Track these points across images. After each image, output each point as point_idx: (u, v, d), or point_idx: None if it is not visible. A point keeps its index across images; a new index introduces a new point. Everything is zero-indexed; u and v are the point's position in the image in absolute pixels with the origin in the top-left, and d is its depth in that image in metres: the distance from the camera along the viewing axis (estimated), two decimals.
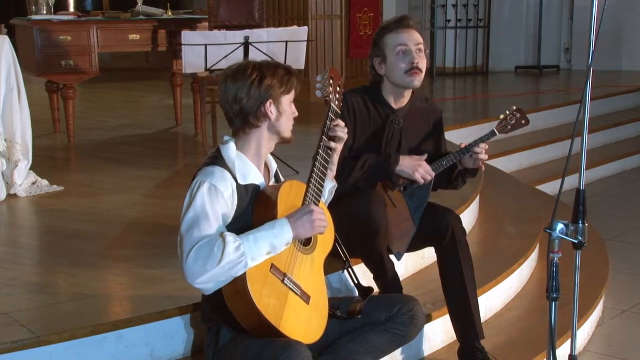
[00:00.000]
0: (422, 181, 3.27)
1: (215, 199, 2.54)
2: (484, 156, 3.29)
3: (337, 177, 3.00)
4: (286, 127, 2.71)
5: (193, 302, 2.92)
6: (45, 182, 4.83)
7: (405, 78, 3.27)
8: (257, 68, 2.65)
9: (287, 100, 2.70)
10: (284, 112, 2.68)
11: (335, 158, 2.86)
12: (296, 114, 2.75)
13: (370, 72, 3.37)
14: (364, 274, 3.27)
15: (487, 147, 3.31)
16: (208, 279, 2.45)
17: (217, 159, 2.63)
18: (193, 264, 2.44)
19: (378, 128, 3.33)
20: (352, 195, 3.17)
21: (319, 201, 2.70)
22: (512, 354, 3.46)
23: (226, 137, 2.73)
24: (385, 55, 3.28)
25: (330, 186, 2.94)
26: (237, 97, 2.63)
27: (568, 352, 2.77)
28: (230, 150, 2.66)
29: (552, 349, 2.59)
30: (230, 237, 2.46)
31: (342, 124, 2.83)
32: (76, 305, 3.02)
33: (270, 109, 2.65)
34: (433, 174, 3.29)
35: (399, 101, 3.36)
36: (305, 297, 2.63)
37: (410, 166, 3.26)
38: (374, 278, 3.25)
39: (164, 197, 4.66)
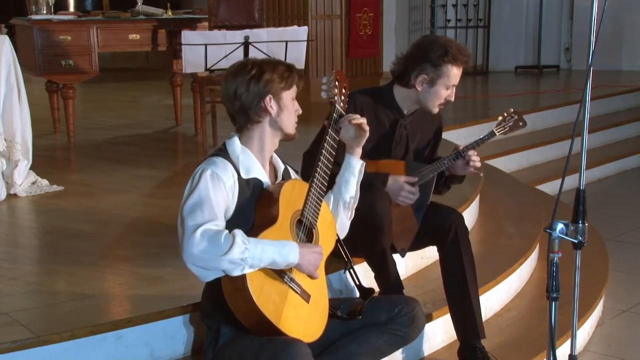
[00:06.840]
0: (403, 204, 3.27)
1: (217, 186, 2.56)
2: (477, 163, 3.30)
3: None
4: (288, 123, 2.71)
5: (193, 302, 2.91)
6: (45, 182, 4.83)
7: (434, 107, 3.30)
8: (257, 64, 2.68)
9: (289, 97, 2.70)
10: (285, 107, 2.69)
11: (358, 151, 2.89)
12: (300, 111, 2.76)
13: (398, 70, 3.30)
14: (365, 274, 3.27)
15: (476, 153, 3.31)
16: (204, 265, 2.47)
17: (222, 152, 2.66)
18: (195, 245, 2.45)
19: (387, 131, 3.33)
20: None
21: (320, 203, 2.71)
22: (512, 354, 3.46)
23: (232, 134, 2.74)
24: (435, 81, 3.23)
25: (359, 165, 2.92)
26: (237, 93, 2.65)
27: (568, 352, 2.78)
28: (236, 144, 2.68)
29: (552, 349, 2.59)
30: (239, 238, 2.47)
31: (358, 116, 2.84)
32: (76, 305, 3.02)
33: (271, 104, 2.66)
34: (415, 197, 3.26)
35: (411, 109, 3.36)
36: (306, 296, 2.63)
37: (393, 191, 3.24)
38: (375, 277, 3.24)
39: (164, 197, 4.66)
